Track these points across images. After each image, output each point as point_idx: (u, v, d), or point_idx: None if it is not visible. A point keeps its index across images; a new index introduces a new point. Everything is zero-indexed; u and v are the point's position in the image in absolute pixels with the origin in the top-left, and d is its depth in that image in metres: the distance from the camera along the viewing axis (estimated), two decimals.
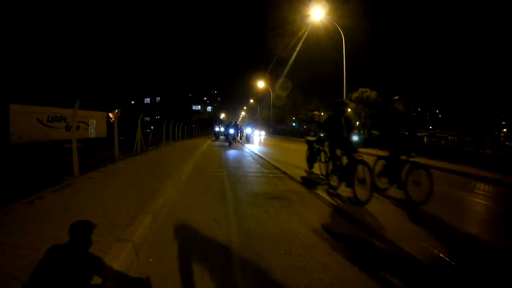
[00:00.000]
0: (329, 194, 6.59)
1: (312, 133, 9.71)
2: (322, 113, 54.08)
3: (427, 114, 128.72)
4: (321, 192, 6.79)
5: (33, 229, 3.76)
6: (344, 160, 6.73)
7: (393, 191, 6.42)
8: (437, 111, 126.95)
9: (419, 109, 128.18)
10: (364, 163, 5.96)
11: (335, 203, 5.85)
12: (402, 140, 6.51)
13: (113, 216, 4.38)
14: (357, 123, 31.72)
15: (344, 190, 6.62)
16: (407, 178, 6.00)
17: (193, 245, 3.85)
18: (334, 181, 6.99)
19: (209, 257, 3.50)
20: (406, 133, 6.61)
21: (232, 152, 17.67)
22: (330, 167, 7.22)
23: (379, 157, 6.98)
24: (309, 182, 8.04)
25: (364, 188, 5.81)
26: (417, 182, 5.85)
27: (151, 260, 3.39)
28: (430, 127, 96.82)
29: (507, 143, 12.15)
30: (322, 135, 9.30)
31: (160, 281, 2.94)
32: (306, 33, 32.53)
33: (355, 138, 6.57)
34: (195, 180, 8.41)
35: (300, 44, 41.02)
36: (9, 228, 3.80)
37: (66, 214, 4.35)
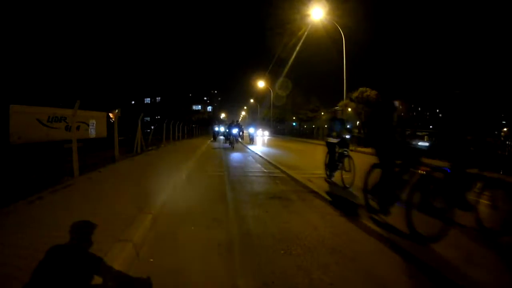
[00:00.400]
0: (376, 222, 4.77)
1: (334, 134, 8.24)
2: (322, 113, 54.09)
3: (427, 114, 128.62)
4: (367, 221, 4.84)
5: (33, 229, 3.76)
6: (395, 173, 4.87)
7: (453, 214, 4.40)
8: (437, 110, 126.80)
9: (419, 109, 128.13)
10: (433, 179, 4.39)
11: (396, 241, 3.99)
12: (472, 148, 4.89)
13: (113, 216, 4.38)
14: (358, 122, 31.71)
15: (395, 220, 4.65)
16: (478, 199, 4.61)
17: (193, 245, 3.85)
18: (373, 200, 5.18)
19: (209, 257, 3.51)
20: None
21: (236, 155, 17.34)
22: (371, 181, 5.25)
23: (435, 168, 4.73)
24: (346, 205, 5.95)
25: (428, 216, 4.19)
26: (495, 205, 4.48)
27: (151, 260, 3.39)
28: (431, 127, 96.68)
29: (507, 142, 12.12)
30: (347, 136, 8.28)
31: (160, 281, 2.93)
32: (306, 33, 32.50)
33: (418, 143, 5.34)
34: (196, 180, 8.41)
35: (300, 44, 41.06)
36: (9, 228, 3.80)
37: (66, 214, 4.35)
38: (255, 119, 72.70)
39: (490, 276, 3.19)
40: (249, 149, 20.01)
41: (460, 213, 4.44)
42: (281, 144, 26.30)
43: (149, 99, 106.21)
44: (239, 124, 24.54)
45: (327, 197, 6.49)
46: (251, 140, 25.55)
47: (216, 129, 34.27)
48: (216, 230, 4.43)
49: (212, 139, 32.48)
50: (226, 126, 25.19)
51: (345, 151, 8.09)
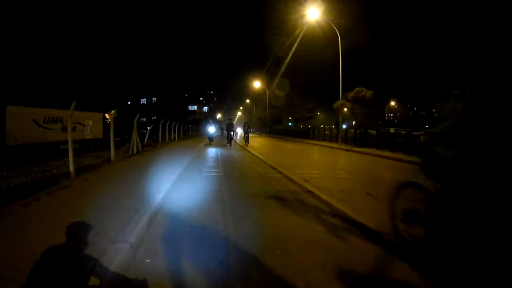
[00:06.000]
0: None
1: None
2: (318, 113, 54.26)
3: (424, 113, 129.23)
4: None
5: (30, 231, 3.76)
6: None
7: None
8: (433, 110, 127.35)
9: (415, 108, 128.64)
10: None
11: None
12: None
13: (109, 217, 4.39)
14: (353, 122, 31.83)
15: None
16: None
17: (189, 246, 3.86)
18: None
19: (205, 257, 3.52)
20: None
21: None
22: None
23: None
24: None
25: None
26: None
27: (148, 261, 3.40)
28: (427, 126, 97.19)
29: None
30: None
31: (157, 282, 2.95)
32: (302, 33, 32.49)
33: None
34: (192, 181, 8.41)
35: (296, 44, 41.09)
36: (5, 230, 3.80)
37: (62, 216, 4.35)
38: (250, 119, 70.10)
39: None
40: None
41: None
42: (277, 145, 26.27)
43: (145, 99, 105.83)
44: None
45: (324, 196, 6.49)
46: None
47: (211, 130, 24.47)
48: (212, 230, 4.45)
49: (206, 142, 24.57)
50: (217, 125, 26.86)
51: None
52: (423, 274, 3.14)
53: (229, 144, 22.93)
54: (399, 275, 3.19)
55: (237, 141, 27.60)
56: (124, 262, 3.22)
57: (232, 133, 24.05)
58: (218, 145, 22.88)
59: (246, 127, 24.54)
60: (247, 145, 22.43)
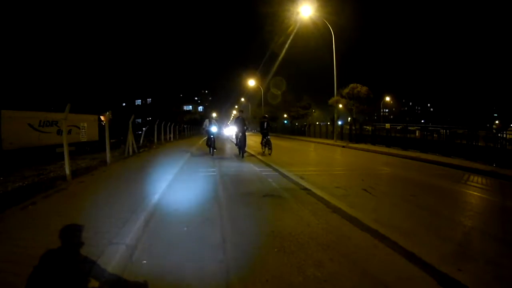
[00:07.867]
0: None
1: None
2: (314, 110, 54.24)
3: (419, 108, 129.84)
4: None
5: (27, 235, 3.77)
6: None
7: None
8: (428, 104, 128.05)
9: (410, 103, 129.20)
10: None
11: None
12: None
13: (106, 219, 4.39)
14: (349, 118, 31.86)
15: None
16: None
17: (186, 246, 3.88)
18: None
19: (202, 257, 3.54)
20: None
21: None
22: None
23: None
24: None
25: None
26: None
27: (144, 262, 3.42)
28: (422, 121, 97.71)
29: (499, 135, 12.22)
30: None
31: (154, 283, 2.96)
32: (295, 31, 32.46)
33: None
34: (187, 181, 8.41)
35: (289, 42, 41.05)
36: (3, 234, 3.80)
37: (59, 219, 4.35)
38: (245, 117, 69.55)
39: None
40: None
41: None
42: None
43: (140, 100, 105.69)
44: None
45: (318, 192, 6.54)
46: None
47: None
48: (209, 230, 4.47)
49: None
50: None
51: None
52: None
53: (240, 155, 14.45)
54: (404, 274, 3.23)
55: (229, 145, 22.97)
56: (121, 263, 3.23)
57: (241, 134, 14.83)
58: (224, 156, 15.28)
59: (265, 124, 15.94)
60: (269, 153, 14.94)
